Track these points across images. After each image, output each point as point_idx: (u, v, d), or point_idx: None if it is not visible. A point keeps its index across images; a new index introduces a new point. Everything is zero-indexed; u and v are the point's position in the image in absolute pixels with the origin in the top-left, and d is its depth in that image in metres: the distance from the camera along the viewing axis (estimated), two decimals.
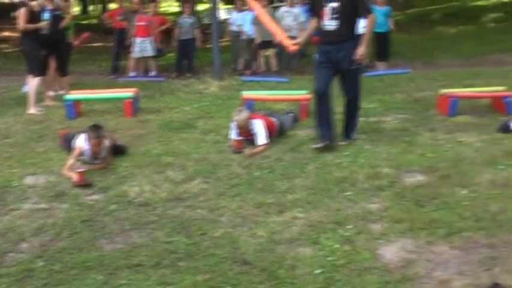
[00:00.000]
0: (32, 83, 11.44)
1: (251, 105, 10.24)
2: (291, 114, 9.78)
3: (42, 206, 6.64)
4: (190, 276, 4.91)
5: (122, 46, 16.91)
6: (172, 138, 9.14)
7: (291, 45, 8.73)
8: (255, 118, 8.48)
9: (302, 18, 16.10)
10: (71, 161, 7.56)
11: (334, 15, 8.01)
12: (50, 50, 11.99)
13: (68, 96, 11.07)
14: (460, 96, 10.23)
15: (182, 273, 4.98)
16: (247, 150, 8.16)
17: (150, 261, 5.20)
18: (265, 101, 11.16)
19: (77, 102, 11.01)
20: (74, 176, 7.20)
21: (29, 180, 7.48)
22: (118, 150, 8.17)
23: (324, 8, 8.05)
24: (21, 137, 9.62)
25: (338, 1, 7.93)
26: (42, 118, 10.90)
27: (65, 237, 5.80)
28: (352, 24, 8.18)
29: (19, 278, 5.02)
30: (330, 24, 8.08)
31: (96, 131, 7.69)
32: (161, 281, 4.86)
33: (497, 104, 10.27)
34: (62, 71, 12.62)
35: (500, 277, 4.66)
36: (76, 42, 14.69)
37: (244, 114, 8.45)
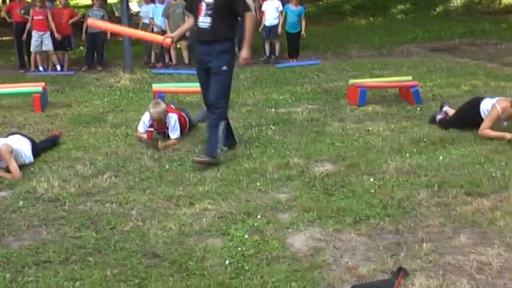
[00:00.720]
0: None
1: (162, 98, 10.19)
2: (203, 109, 9.69)
3: None
4: (100, 270, 4.84)
5: (21, 40, 16.59)
6: (82, 133, 9.03)
7: (163, 40, 8.09)
8: (170, 112, 8.37)
9: None
10: None
11: (209, 12, 7.33)
12: None
13: None
14: (368, 86, 10.44)
15: (91, 268, 4.91)
16: (161, 143, 8.05)
17: (59, 257, 5.12)
18: (176, 94, 11.12)
19: None
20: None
21: None
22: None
23: (200, 4, 7.37)
24: None
25: None
26: None
27: None
28: (229, 23, 7.44)
29: None
30: (203, 21, 7.38)
31: None
32: (70, 277, 4.79)
33: (404, 94, 10.50)
34: None
35: (404, 262, 4.77)
36: None
37: (161, 106, 8.25)
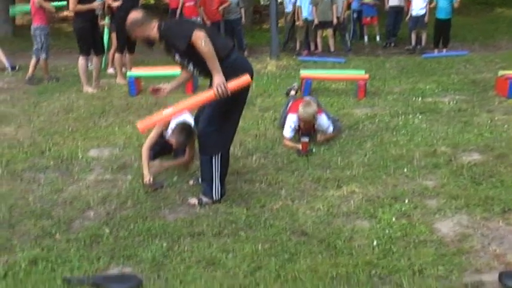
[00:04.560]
0: (80, 62, 11.58)
1: (309, 84, 10.34)
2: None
3: (107, 177, 6.89)
4: (251, 245, 5.07)
5: None
6: None
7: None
8: (320, 113, 7.79)
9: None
10: None
11: (185, 63, 6.12)
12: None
13: (131, 73, 11.31)
14: None
15: (243, 242, 5.15)
16: (320, 137, 7.75)
17: (212, 230, 5.39)
18: (322, 80, 11.25)
19: (138, 79, 11.23)
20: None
21: (93, 152, 7.74)
22: None
23: (177, 62, 6.23)
24: (84, 112, 9.89)
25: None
26: (104, 94, 11.16)
27: (130, 207, 6.02)
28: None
29: (87, 243, 5.24)
30: (191, 70, 6.20)
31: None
32: (223, 249, 5.04)
33: None
34: (131, 49, 12.59)
35: None
36: None
37: (312, 107, 7.60)
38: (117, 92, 11.29)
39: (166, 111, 5.82)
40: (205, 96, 5.84)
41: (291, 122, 7.77)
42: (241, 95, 5.93)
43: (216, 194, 6.05)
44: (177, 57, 6.00)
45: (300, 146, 7.39)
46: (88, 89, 11.56)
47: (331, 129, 7.79)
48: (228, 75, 5.63)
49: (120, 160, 7.37)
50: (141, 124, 5.64)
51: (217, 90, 5.58)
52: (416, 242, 5.01)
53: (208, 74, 5.73)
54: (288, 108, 8.18)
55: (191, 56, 5.77)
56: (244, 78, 5.71)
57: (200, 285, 4.49)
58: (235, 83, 5.65)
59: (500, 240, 5.04)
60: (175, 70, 11.13)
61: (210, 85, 5.79)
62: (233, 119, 6.15)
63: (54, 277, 4.66)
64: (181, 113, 6.38)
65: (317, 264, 4.70)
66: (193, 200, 6.10)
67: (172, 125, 6.73)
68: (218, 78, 5.60)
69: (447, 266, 4.59)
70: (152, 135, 6.76)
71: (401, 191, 6.09)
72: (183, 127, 6.57)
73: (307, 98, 8.44)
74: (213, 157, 5.97)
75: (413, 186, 6.22)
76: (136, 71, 11.56)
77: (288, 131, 7.78)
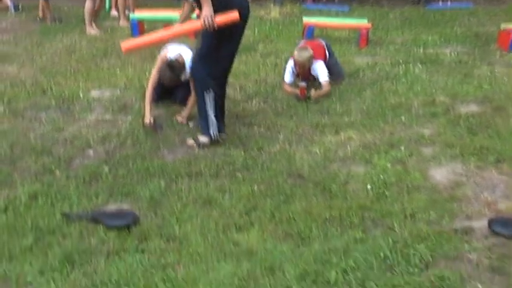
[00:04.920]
0: (87, 5, 11.59)
1: (311, 31, 10.34)
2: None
3: (107, 117, 6.97)
4: (247, 186, 5.18)
5: None
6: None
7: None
8: (316, 59, 7.76)
9: None
10: None
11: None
12: None
13: (134, 15, 11.30)
14: None
15: (239, 183, 5.25)
16: (314, 93, 7.56)
17: (209, 171, 5.50)
18: (325, 28, 11.25)
19: (141, 21, 11.23)
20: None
21: (94, 93, 7.81)
22: None
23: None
24: (86, 53, 9.94)
25: None
26: (107, 37, 11.19)
27: (129, 146, 6.12)
28: None
29: (86, 180, 5.35)
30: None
31: None
32: (220, 189, 5.15)
33: None
34: None
35: None
36: None
37: (308, 52, 7.64)
38: (120, 35, 11.29)
39: (152, 36, 5.95)
40: (192, 25, 5.96)
41: (289, 66, 7.82)
42: (231, 31, 5.90)
43: (213, 130, 6.09)
44: None
45: (298, 91, 7.42)
46: (91, 31, 11.57)
47: (325, 77, 7.69)
48: (219, 10, 5.67)
49: (121, 101, 7.43)
50: (124, 44, 5.71)
51: (204, 21, 5.61)
52: (410, 188, 5.10)
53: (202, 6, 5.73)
54: None
55: None
56: (233, 15, 5.72)
57: (196, 223, 4.59)
58: (223, 18, 5.67)
59: (492, 189, 5.12)
60: (178, 13, 11.18)
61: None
62: (223, 56, 6.10)
63: (53, 212, 4.77)
64: (166, 39, 6.43)
65: (311, 207, 4.79)
66: (191, 141, 6.17)
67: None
68: (206, 10, 5.62)
69: (439, 212, 4.67)
70: (154, 74, 6.79)
71: (397, 139, 6.16)
72: (169, 63, 6.65)
73: (319, 41, 8.48)
74: (204, 93, 6.02)
75: (409, 134, 6.28)
76: (139, 14, 11.54)
77: (287, 76, 7.82)
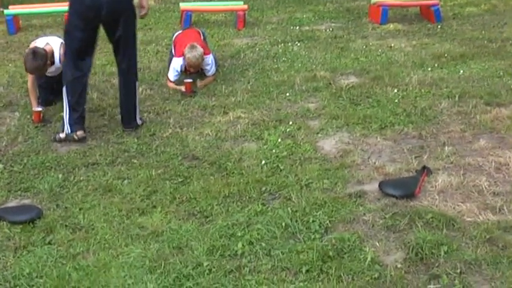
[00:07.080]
0: None
1: (189, 17, 10.43)
2: None
3: None
4: (145, 170, 5.27)
5: None
6: None
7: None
8: (206, 54, 7.53)
9: None
10: None
11: None
12: None
13: (8, 11, 11.02)
14: (390, 5, 10.58)
15: (136, 169, 5.34)
16: (199, 82, 7.48)
17: (105, 160, 5.56)
18: (202, 12, 11.36)
19: (16, 17, 10.99)
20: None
21: None
22: None
23: None
24: None
25: None
26: None
27: (21, 142, 6.08)
28: None
29: None
30: None
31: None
32: (118, 176, 5.22)
33: (425, 12, 10.70)
34: None
35: (428, 162, 5.13)
36: None
37: (199, 50, 7.32)
38: None
39: None
40: None
41: (177, 65, 7.50)
42: (69, 20, 6.16)
43: (67, 124, 6.07)
44: None
45: (183, 88, 7.31)
46: None
47: (213, 69, 7.69)
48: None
49: (6, 98, 7.31)
50: None
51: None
52: (302, 160, 5.33)
53: None
54: (174, 49, 7.85)
55: None
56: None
57: (99, 211, 4.65)
58: None
59: (378, 154, 5.42)
60: (53, 7, 11.05)
61: None
62: (72, 47, 6.13)
63: None
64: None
65: (210, 185, 4.94)
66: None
67: None
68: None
69: (331, 179, 4.92)
70: None
71: (285, 114, 6.38)
72: (32, 49, 6.57)
73: (196, 29, 8.43)
74: (64, 87, 6.12)
75: (296, 109, 6.52)
76: (14, 9, 11.27)
77: (172, 75, 7.53)
